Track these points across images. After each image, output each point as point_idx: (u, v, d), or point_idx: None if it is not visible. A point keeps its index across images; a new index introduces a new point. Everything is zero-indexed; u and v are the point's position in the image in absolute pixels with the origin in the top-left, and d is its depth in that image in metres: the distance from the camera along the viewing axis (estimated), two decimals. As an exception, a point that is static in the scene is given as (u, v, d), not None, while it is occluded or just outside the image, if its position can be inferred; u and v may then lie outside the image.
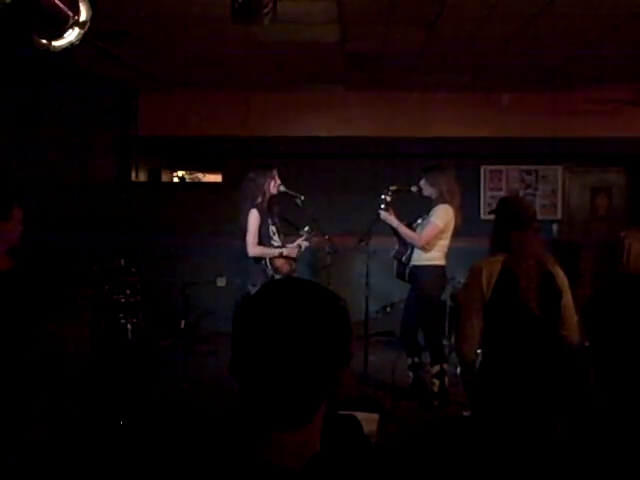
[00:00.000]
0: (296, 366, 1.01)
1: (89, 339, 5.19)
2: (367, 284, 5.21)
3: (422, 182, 5.00)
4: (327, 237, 5.17)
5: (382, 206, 4.95)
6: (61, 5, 2.80)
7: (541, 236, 2.98)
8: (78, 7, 2.87)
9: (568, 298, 2.83)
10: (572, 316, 2.83)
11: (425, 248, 4.88)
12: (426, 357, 5.06)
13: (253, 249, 4.67)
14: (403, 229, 4.94)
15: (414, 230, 4.97)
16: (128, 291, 6.24)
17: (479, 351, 2.95)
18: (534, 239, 2.82)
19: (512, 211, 2.92)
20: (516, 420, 2.72)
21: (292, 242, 4.92)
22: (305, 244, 4.95)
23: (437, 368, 4.91)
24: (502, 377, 2.82)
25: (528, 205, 3.11)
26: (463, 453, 2.64)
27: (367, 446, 1.25)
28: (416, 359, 5.05)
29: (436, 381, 4.91)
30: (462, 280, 4.67)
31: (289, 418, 1.03)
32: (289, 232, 5.14)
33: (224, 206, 6.64)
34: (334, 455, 1.08)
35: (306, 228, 4.96)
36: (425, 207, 5.12)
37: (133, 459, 3.84)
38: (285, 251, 4.72)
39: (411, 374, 5.07)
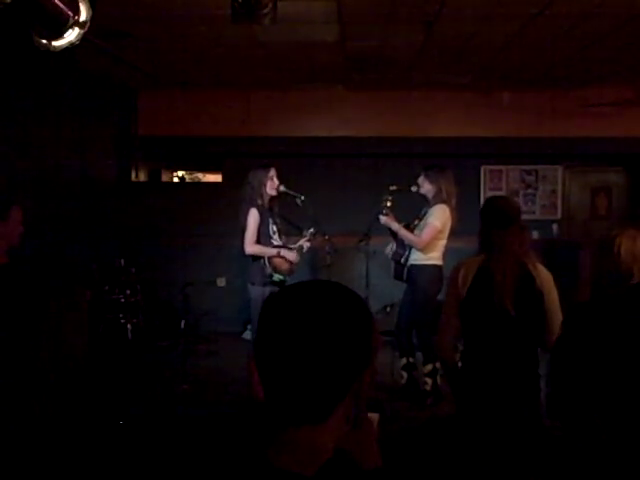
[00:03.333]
0: (314, 361, 1.01)
1: (87, 333, 5.20)
2: (367, 284, 5.22)
3: (421, 179, 5.04)
4: (327, 237, 5.17)
5: (383, 211, 4.99)
6: (61, 5, 2.80)
7: (527, 235, 2.93)
8: (78, 7, 2.87)
9: (551, 300, 2.75)
10: (555, 319, 2.72)
11: (425, 249, 4.91)
12: (418, 356, 5.08)
13: (249, 247, 4.66)
14: (403, 232, 4.97)
15: (412, 231, 4.99)
16: (128, 291, 6.26)
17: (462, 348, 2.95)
18: (516, 238, 2.76)
19: (493, 210, 2.90)
20: (492, 418, 2.72)
21: (294, 243, 4.92)
22: (307, 245, 4.94)
23: (429, 367, 4.96)
24: (477, 375, 2.81)
25: (510, 204, 3.02)
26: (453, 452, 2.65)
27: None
28: (411, 359, 5.10)
29: (429, 380, 4.96)
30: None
31: (304, 411, 1.03)
32: (292, 233, 5.13)
33: (224, 206, 6.64)
34: (348, 462, 1.06)
35: (310, 230, 4.94)
36: (423, 207, 5.13)
37: (132, 459, 3.85)
38: (282, 252, 4.70)
39: (405, 374, 5.12)
